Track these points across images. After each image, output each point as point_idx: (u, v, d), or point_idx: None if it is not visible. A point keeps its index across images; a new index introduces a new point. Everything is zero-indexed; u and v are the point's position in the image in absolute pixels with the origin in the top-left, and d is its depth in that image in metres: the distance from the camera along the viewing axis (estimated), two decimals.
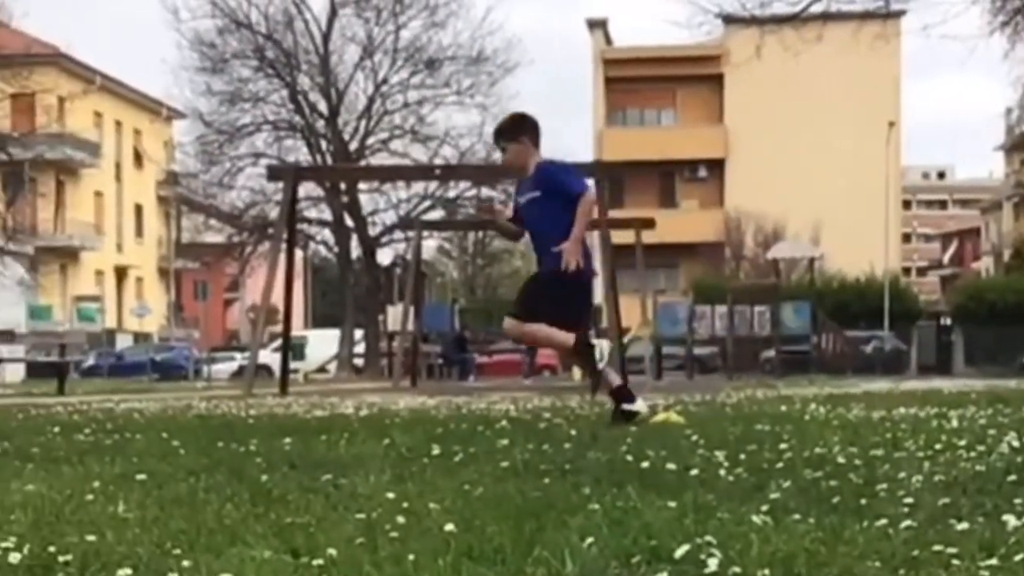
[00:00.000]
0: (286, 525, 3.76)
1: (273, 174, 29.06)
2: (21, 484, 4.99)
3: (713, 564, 3.07)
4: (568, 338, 9.40)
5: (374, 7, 52.66)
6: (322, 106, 53.29)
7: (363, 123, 53.23)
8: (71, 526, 3.80)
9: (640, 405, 9.27)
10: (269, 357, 40.34)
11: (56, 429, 8.69)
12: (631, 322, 33.22)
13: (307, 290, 76.00)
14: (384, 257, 55.10)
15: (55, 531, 3.69)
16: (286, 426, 8.79)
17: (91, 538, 3.48)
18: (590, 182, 14.76)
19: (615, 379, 9.55)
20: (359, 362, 52.15)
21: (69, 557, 3.25)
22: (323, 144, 53.25)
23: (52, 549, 3.34)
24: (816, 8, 26.67)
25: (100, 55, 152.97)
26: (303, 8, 52.88)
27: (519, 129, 9.82)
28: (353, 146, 52.55)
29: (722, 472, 5.08)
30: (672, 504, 4.04)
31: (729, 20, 32.10)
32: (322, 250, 60.65)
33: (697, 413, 10.16)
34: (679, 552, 3.17)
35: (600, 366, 9.41)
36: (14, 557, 3.25)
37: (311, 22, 52.93)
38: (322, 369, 52.10)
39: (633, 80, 70.10)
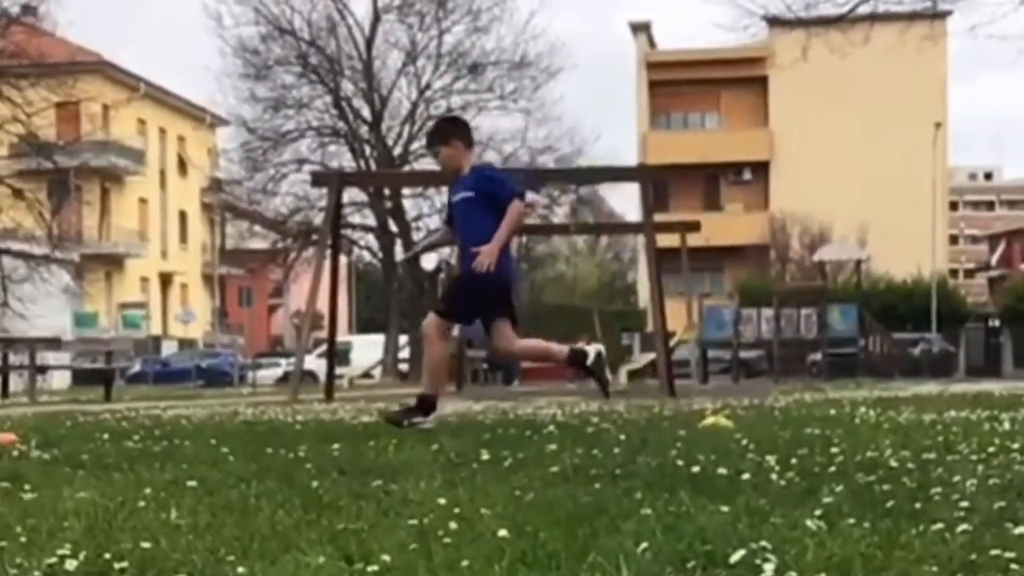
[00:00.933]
0: (339, 531, 3.76)
1: (317, 180, 29.02)
2: (73, 491, 5.01)
3: (769, 569, 3.05)
4: (438, 380, 9.81)
5: (417, 12, 52.73)
6: (365, 112, 53.31)
7: (406, 128, 53.21)
8: (125, 533, 3.81)
9: (591, 349, 10.00)
10: (314, 363, 40.49)
11: (105, 436, 8.71)
12: (677, 325, 33.12)
13: (351, 295, 76.09)
14: (428, 262, 55.15)
15: (109, 538, 3.70)
16: (333, 432, 8.79)
17: (145, 545, 3.49)
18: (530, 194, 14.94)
19: (561, 353, 10.06)
20: (404, 367, 52.17)
21: (125, 564, 3.26)
22: (367, 150, 53.29)
23: (107, 556, 3.35)
24: (863, 9, 26.52)
25: (144, 63, 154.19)
26: (346, 14, 52.97)
27: (449, 133, 10.04)
28: (396, 151, 52.56)
29: (773, 476, 5.05)
30: (725, 509, 4.02)
31: (774, 22, 31.96)
32: (366, 255, 60.70)
33: (745, 417, 10.11)
34: (734, 557, 3.16)
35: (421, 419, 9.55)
36: (70, 564, 3.26)
37: (354, 28, 52.99)
38: (367, 374, 52.09)
39: (677, 83, 70.04)
